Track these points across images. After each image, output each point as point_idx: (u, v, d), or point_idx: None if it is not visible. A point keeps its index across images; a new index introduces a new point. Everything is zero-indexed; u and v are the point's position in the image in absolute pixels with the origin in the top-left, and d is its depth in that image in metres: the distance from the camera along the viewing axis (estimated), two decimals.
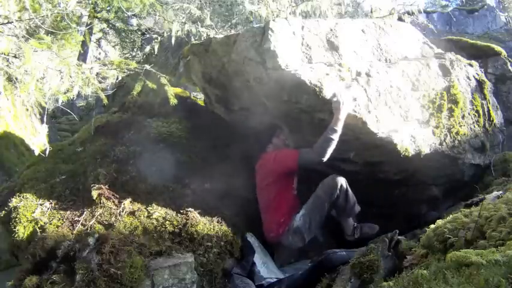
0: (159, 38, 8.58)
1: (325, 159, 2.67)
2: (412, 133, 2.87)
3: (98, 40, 11.94)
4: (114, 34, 9.99)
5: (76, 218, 2.69)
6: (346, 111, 2.62)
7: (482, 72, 3.55)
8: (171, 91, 3.45)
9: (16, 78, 3.18)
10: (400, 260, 1.98)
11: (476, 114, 3.25)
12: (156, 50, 8.73)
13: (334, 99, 2.62)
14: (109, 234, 2.47)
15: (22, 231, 2.64)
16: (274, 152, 3.10)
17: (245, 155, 3.60)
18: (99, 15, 6.92)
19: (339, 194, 2.76)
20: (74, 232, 2.57)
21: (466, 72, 3.32)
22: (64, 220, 2.69)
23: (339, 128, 2.62)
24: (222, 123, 3.84)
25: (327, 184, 2.80)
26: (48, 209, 2.76)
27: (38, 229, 2.62)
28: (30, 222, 2.67)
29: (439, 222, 1.97)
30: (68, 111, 6.89)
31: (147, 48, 8.89)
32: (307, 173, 3.12)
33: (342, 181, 2.77)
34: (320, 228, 2.85)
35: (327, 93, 2.63)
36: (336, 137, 2.64)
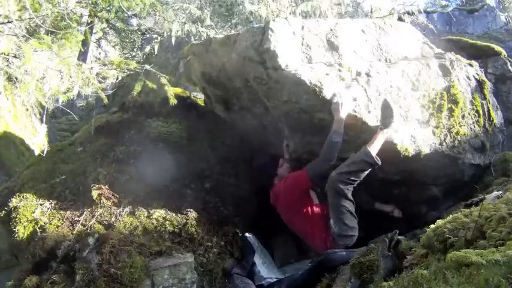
0: (159, 38, 8.58)
1: (333, 162, 2.69)
2: (412, 133, 2.87)
3: (98, 40, 11.94)
4: (114, 34, 10.00)
5: (76, 218, 2.70)
6: (346, 111, 2.62)
7: (482, 72, 3.54)
8: (171, 91, 3.46)
9: (16, 78, 3.18)
10: (400, 260, 1.97)
11: (476, 114, 3.25)
12: (156, 50, 8.73)
13: (334, 100, 2.62)
14: (109, 234, 2.47)
15: (22, 231, 2.64)
16: (282, 182, 3.08)
17: (245, 154, 3.60)
18: (99, 14, 6.93)
19: (346, 183, 2.68)
20: (74, 232, 2.57)
21: (466, 72, 3.32)
22: (64, 220, 2.69)
23: (341, 129, 2.62)
24: (222, 123, 3.84)
25: (328, 190, 2.78)
26: (48, 209, 2.76)
27: (38, 229, 2.62)
28: (30, 222, 2.67)
29: (439, 222, 1.96)
30: (68, 111, 6.88)
31: (147, 48, 8.90)
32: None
33: (334, 176, 2.71)
34: (355, 216, 2.78)
35: (327, 93, 2.63)
36: (339, 139, 2.63)
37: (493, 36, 13.09)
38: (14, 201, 2.79)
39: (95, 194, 2.82)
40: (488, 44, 5.34)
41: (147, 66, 3.52)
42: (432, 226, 1.95)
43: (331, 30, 2.91)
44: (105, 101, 3.49)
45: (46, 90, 3.01)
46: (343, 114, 2.60)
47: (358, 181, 2.70)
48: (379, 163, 2.63)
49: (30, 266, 2.41)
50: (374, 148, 2.64)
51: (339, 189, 2.68)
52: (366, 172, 2.67)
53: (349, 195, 2.72)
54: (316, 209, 2.95)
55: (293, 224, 3.08)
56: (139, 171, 3.08)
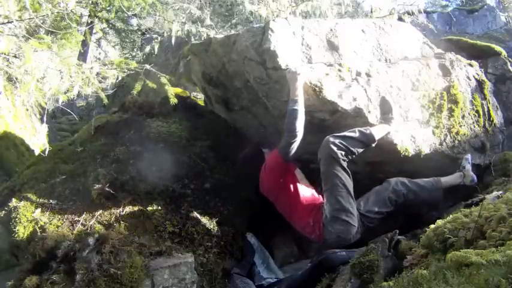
0: (159, 38, 8.59)
1: (298, 134, 2.48)
2: (412, 133, 2.87)
3: (98, 40, 11.95)
4: (114, 34, 10.01)
5: (76, 218, 2.70)
6: (303, 80, 2.52)
7: (482, 72, 3.54)
8: (171, 91, 3.46)
9: (16, 78, 3.19)
10: (400, 260, 1.97)
11: (476, 114, 3.25)
12: (156, 50, 8.75)
13: (292, 70, 2.53)
14: (109, 234, 2.47)
15: (22, 231, 2.64)
16: (263, 168, 2.91)
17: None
18: (99, 14, 6.94)
19: (339, 147, 2.47)
20: (74, 232, 2.57)
21: (466, 72, 3.32)
22: (64, 220, 2.69)
23: (296, 96, 2.47)
24: (222, 123, 3.84)
25: (321, 155, 2.53)
26: (48, 209, 2.76)
27: (38, 229, 2.62)
28: (30, 222, 2.67)
29: (439, 222, 1.96)
30: (68, 111, 6.90)
31: (147, 48, 8.92)
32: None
33: (329, 138, 2.52)
34: (354, 199, 2.51)
35: (328, 93, 2.63)
36: (298, 107, 2.47)
37: (493, 36, 13.08)
38: (14, 201, 2.79)
39: (94, 194, 2.82)
40: (488, 44, 5.34)
41: (147, 66, 3.53)
42: (432, 226, 1.95)
43: (331, 30, 2.91)
44: (105, 101, 3.49)
45: (46, 90, 3.01)
46: (299, 82, 2.50)
47: (352, 154, 2.50)
48: (375, 141, 2.54)
49: (30, 266, 2.40)
50: (374, 128, 2.58)
51: (331, 151, 2.46)
52: (360, 146, 2.52)
53: (344, 164, 2.47)
54: (304, 191, 2.75)
55: (280, 206, 2.85)
56: (139, 171, 3.08)
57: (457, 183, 2.82)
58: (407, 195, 2.67)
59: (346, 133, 2.55)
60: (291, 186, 2.75)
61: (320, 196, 2.76)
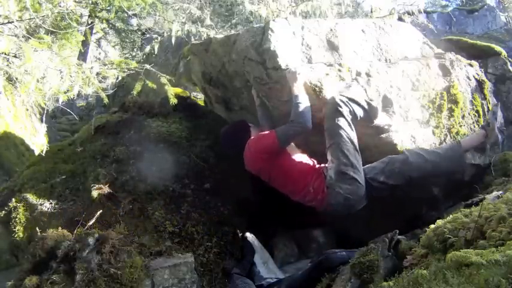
0: (159, 38, 8.60)
1: (306, 125, 2.42)
2: (412, 133, 2.87)
3: (98, 40, 11.97)
4: (114, 34, 10.02)
5: (76, 218, 2.70)
6: (303, 80, 2.52)
7: (482, 72, 3.54)
8: (171, 91, 3.47)
9: (16, 78, 3.19)
10: (400, 260, 1.97)
11: (476, 114, 3.25)
12: (156, 50, 8.76)
13: (292, 70, 2.52)
14: (109, 234, 2.47)
15: (22, 231, 2.65)
16: (247, 148, 2.74)
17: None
18: (99, 14, 6.94)
19: (346, 104, 2.41)
20: (74, 232, 2.57)
21: (466, 72, 3.32)
22: (64, 220, 2.69)
23: (300, 92, 2.46)
24: (222, 123, 3.84)
25: (326, 110, 2.46)
26: (48, 209, 2.76)
27: (38, 229, 2.62)
28: (30, 222, 2.67)
29: (439, 222, 1.96)
30: (68, 111, 6.90)
31: (147, 48, 8.93)
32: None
33: (336, 95, 2.46)
34: (359, 154, 2.38)
35: (327, 94, 2.63)
36: (303, 100, 2.44)
37: (493, 36, 13.09)
38: (14, 201, 2.79)
39: (95, 194, 2.82)
40: (488, 44, 5.33)
41: (148, 66, 3.53)
42: (432, 226, 1.95)
43: (331, 30, 2.91)
44: (106, 100, 3.50)
45: (46, 90, 3.02)
46: (299, 83, 2.50)
47: (355, 117, 2.44)
48: (376, 116, 2.53)
49: (30, 266, 2.40)
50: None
51: (337, 105, 2.39)
52: (364, 114, 2.48)
53: (349, 120, 2.38)
54: (298, 159, 2.62)
55: (276, 183, 2.67)
56: (139, 171, 3.09)
57: (478, 143, 2.59)
58: (425, 167, 2.45)
59: (353, 97, 2.50)
60: (285, 159, 2.61)
61: (317, 163, 2.66)
